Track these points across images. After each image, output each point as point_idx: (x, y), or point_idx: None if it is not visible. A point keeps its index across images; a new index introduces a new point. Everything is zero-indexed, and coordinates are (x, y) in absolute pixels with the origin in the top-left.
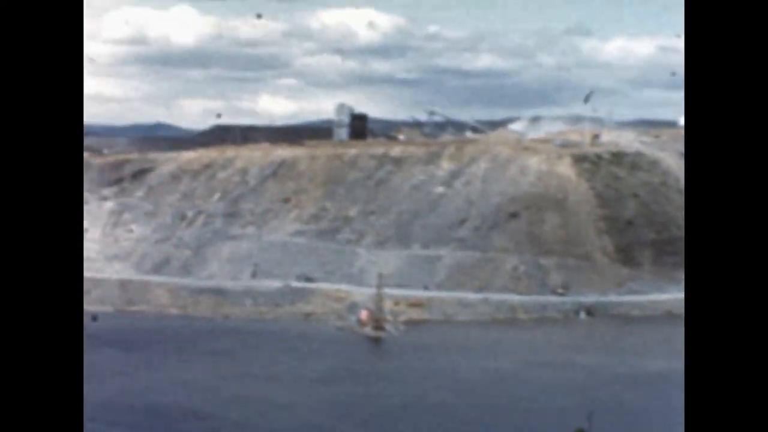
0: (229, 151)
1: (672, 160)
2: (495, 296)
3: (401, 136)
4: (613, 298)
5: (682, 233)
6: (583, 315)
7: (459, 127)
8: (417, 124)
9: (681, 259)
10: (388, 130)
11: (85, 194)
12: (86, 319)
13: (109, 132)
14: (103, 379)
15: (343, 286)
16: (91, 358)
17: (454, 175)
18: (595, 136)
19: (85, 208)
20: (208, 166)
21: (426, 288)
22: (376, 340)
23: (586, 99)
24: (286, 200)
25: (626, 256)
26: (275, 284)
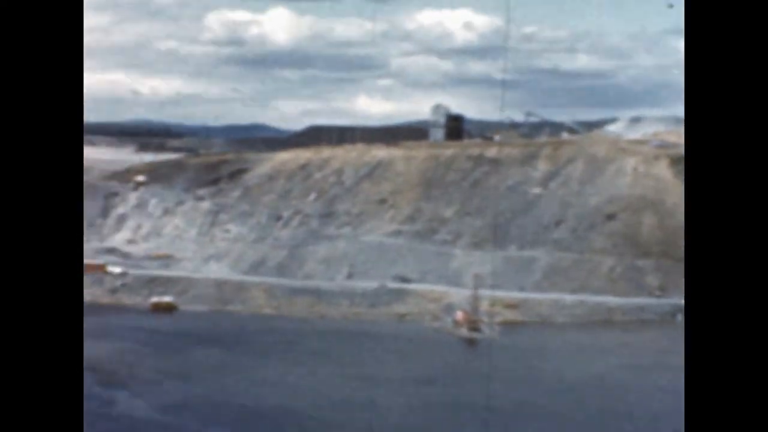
0: (325, 152)
1: None
2: (591, 298)
3: (497, 137)
4: None
5: None
6: (680, 317)
7: (555, 128)
8: (513, 125)
9: None
10: (484, 130)
11: (182, 194)
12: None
13: (206, 132)
14: (202, 379)
15: (439, 287)
16: (189, 357)
17: (551, 176)
18: None
19: (182, 208)
20: (304, 167)
21: (522, 289)
22: (472, 342)
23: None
24: (382, 201)
25: None
26: (371, 285)
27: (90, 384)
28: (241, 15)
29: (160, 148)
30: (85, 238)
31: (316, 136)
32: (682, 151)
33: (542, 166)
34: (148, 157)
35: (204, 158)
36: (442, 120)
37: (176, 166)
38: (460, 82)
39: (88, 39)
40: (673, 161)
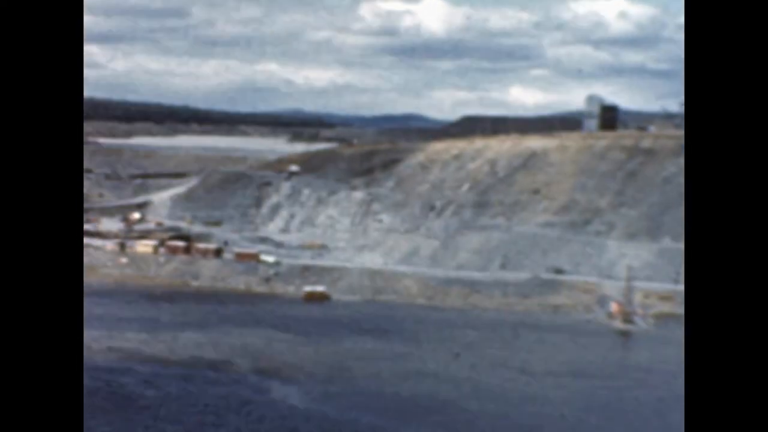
0: (479, 142)
1: None
2: None
3: (652, 128)
4: None
5: None
6: None
7: None
8: (668, 116)
9: None
10: (639, 121)
11: (335, 184)
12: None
13: (359, 122)
14: (355, 367)
15: (592, 279)
16: (341, 346)
17: None
18: None
19: (335, 198)
20: (457, 157)
21: (676, 281)
22: (625, 334)
23: None
24: (536, 191)
25: None
26: (524, 275)
27: (245, 371)
28: (395, 5)
29: (314, 138)
30: (238, 228)
31: (469, 126)
32: None
33: None
34: (302, 147)
35: (357, 148)
36: (596, 110)
37: (329, 156)
38: (614, 71)
39: (243, 30)
40: None
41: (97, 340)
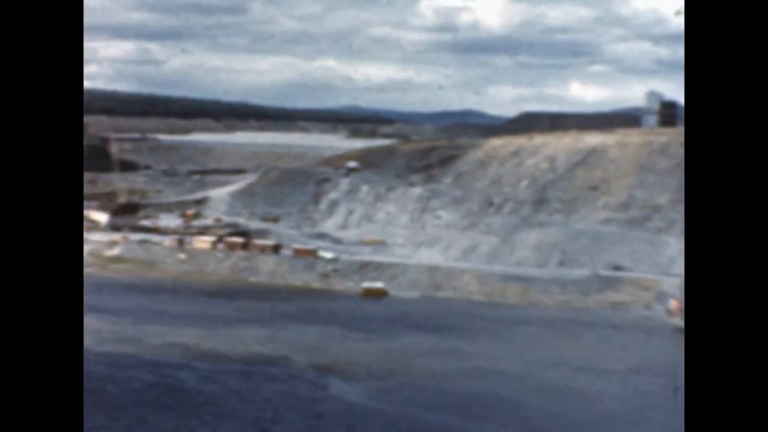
0: (537, 138)
1: None
2: None
3: None
4: None
5: None
6: None
7: None
8: None
9: None
10: None
11: (393, 180)
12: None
13: (418, 118)
14: (413, 364)
15: (651, 275)
16: (400, 343)
17: None
18: None
19: (393, 194)
20: (515, 153)
21: None
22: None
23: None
24: (594, 188)
25: None
26: (583, 272)
27: (304, 367)
28: (453, 1)
29: (372, 134)
30: (296, 224)
31: (528, 122)
32: None
33: None
34: (360, 144)
35: (415, 144)
36: (655, 107)
37: (388, 152)
38: (674, 68)
39: (302, 26)
40: None
41: (156, 336)
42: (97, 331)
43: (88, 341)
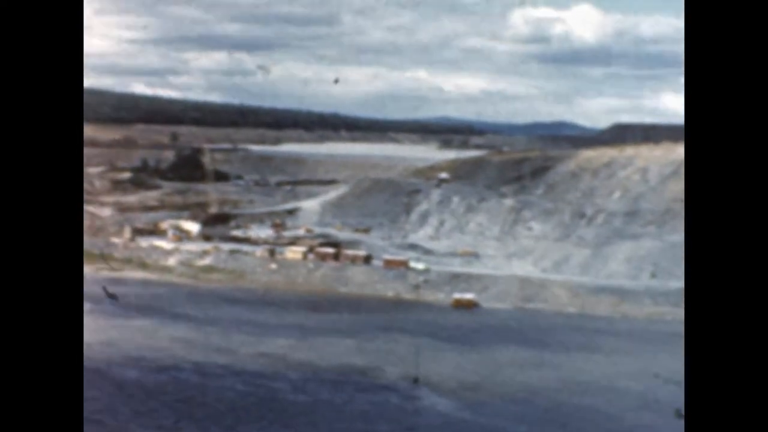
0: (630, 150)
1: None
2: None
3: None
4: None
5: None
6: None
7: None
8: None
9: None
10: None
11: (485, 191)
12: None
13: (509, 130)
14: (504, 376)
15: None
16: (490, 354)
17: None
18: None
19: (485, 205)
20: (608, 165)
21: None
22: None
23: None
24: None
25: None
26: (675, 284)
27: (395, 378)
28: (545, 12)
29: (463, 145)
30: (387, 235)
31: (620, 133)
32: None
33: None
34: (451, 155)
35: (507, 155)
36: None
37: (479, 164)
38: None
39: (393, 37)
40: None
41: (247, 346)
42: (190, 340)
43: (180, 350)
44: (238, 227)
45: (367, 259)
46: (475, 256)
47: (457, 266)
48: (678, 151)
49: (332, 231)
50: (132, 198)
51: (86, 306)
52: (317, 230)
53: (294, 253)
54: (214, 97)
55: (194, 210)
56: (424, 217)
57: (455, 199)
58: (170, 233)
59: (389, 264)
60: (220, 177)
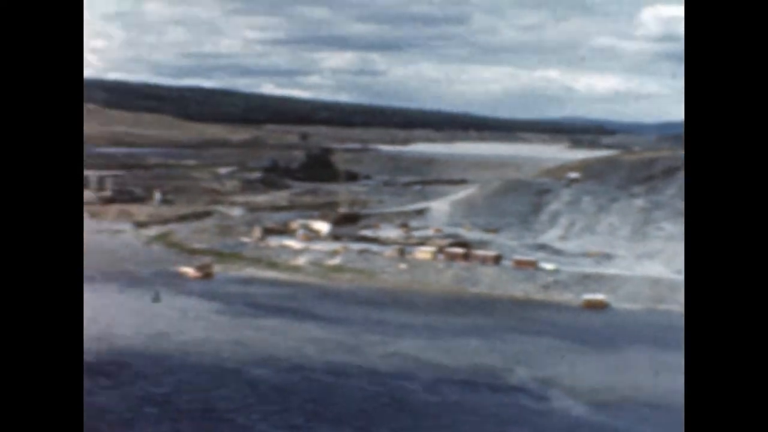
0: None
1: None
2: None
3: None
4: None
5: None
6: None
7: None
8: None
9: None
10: None
11: (615, 191)
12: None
13: (641, 129)
14: (636, 378)
15: None
16: (622, 356)
17: None
18: None
19: (615, 205)
20: None
21: None
22: None
23: None
24: None
25: None
26: None
27: (525, 379)
28: (676, 10)
29: (593, 144)
30: (517, 235)
31: None
32: None
33: None
34: (581, 154)
35: (638, 155)
36: None
37: (610, 163)
38: None
39: (523, 36)
40: None
41: (378, 346)
42: (321, 340)
43: (311, 350)
44: (367, 227)
45: (497, 260)
46: (605, 256)
47: (587, 267)
48: None
49: (461, 231)
50: (262, 198)
51: (217, 306)
52: (446, 230)
53: (423, 253)
54: (344, 97)
55: (324, 210)
56: (554, 218)
57: (586, 199)
58: (300, 233)
59: (519, 264)
60: (350, 177)
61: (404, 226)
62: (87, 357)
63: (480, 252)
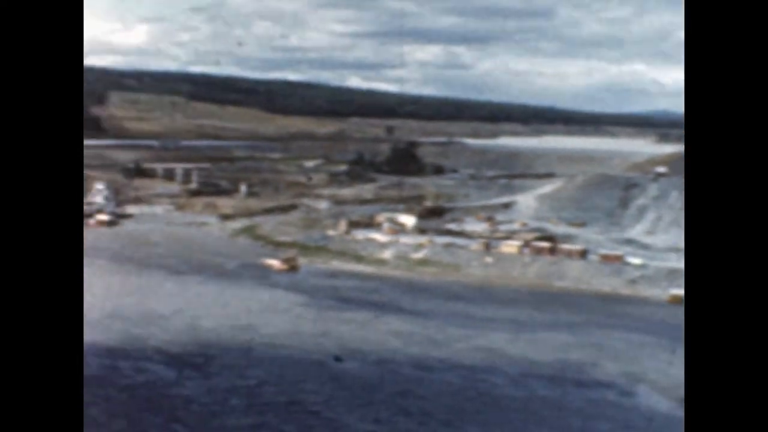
0: None
1: None
2: None
3: None
4: None
5: None
6: None
7: None
8: None
9: None
10: None
11: None
12: None
13: None
14: None
15: None
16: None
17: None
18: None
19: None
20: None
21: None
22: None
23: None
24: None
25: None
26: None
27: (611, 374)
28: None
29: (681, 139)
30: (603, 229)
31: None
32: None
33: None
34: (669, 148)
35: None
36: None
37: None
38: None
39: (610, 30)
40: None
41: (463, 339)
42: (407, 333)
43: (397, 343)
44: (452, 221)
45: (583, 254)
46: None
47: (674, 262)
48: None
49: (548, 225)
50: (348, 191)
51: (302, 298)
52: (532, 224)
53: (509, 247)
54: (430, 90)
55: (409, 203)
56: (641, 212)
57: (673, 194)
58: (386, 226)
59: (605, 259)
60: (436, 170)
61: (490, 219)
62: (173, 348)
63: (566, 246)
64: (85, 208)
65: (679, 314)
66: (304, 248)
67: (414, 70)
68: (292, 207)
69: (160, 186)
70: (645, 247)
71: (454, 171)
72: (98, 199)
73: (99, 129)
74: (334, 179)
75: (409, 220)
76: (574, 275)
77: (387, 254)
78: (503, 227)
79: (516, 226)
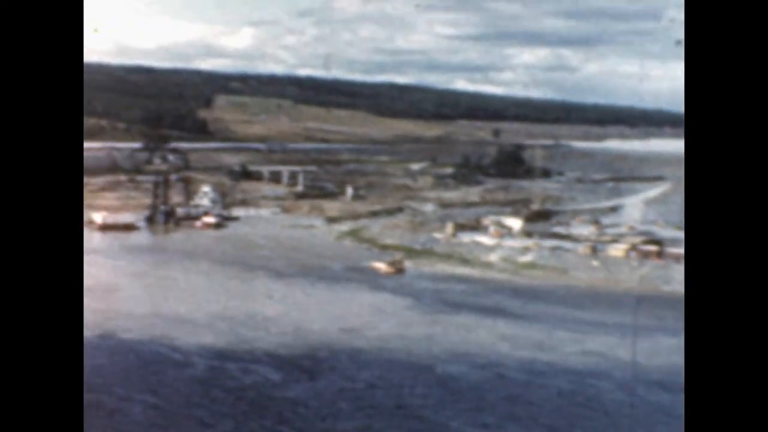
0: None
1: None
2: None
3: None
4: None
5: None
6: None
7: None
8: None
9: None
10: None
11: None
12: None
13: None
14: None
15: None
16: None
17: None
18: None
19: None
20: None
21: None
22: None
23: None
24: None
25: None
26: None
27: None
28: None
29: None
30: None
31: None
32: None
33: None
34: None
35: None
36: None
37: None
38: None
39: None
40: None
41: (571, 343)
42: (514, 336)
43: (503, 347)
44: (559, 224)
45: None
46: None
47: None
48: None
49: (655, 228)
50: (454, 194)
51: (408, 301)
52: (639, 228)
53: (616, 250)
54: (536, 93)
55: (516, 206)
56: None
57: None
58: (492, 229)
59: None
60: (542, 173)
61: (596, 223)
62: (280, 350)
63: (674, 250)
64: (192, 210)
65: None
66: (410, 251)
67: (520, 73)
68: (398, 210)
69: (266, 188)
70: None
71: (561, 174)
72: (205, 202)
73: (206, 132)
74: (441, 182)
75: (515, 223)
76: (681, 279)
77: (493, 257)
78: (610, 231)
79: (623, 229)
